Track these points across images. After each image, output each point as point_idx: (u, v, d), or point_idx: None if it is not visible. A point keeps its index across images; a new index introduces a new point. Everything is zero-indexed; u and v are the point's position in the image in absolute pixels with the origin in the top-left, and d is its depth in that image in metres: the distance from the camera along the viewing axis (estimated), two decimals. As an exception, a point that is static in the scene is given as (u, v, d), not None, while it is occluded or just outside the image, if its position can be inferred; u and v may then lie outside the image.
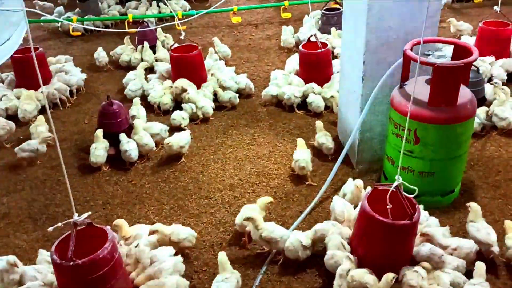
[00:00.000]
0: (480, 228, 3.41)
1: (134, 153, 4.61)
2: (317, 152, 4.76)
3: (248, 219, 3.41)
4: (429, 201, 3.91)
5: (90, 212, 2.90)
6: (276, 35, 8.09)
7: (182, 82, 5.63)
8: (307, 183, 4.34)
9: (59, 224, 2.79)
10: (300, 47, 5.94)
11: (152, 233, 3.37)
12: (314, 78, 5.75)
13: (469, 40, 6.63)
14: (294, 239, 3.41)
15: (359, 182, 3.85)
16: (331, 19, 7.44)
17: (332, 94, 5.40)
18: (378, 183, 4.33)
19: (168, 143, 4.60)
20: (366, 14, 3.81)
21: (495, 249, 3.34)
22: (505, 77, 5.75)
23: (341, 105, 4.89)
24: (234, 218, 3.93)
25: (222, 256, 3.19)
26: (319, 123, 4.75)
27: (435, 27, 3.99)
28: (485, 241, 3.35)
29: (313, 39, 5.94)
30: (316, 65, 5.81)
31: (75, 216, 2.80)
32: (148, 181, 4.50)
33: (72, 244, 2.75)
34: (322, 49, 5.77)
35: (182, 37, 6.04)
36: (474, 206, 3.49)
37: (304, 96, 5.63)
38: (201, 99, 5.53)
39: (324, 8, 7.61)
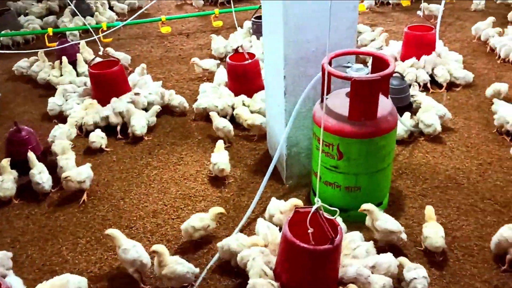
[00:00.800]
0: (386, 219, 3.51)
1: (47, 185, 4.27)
2: (246, 169, 4.61)
3: (153, 252, 3.19)
4: (357, 215, 3.80)
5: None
6: (208, 44, 7.87)
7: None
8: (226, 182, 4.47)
9: None
10: (227, 58, 5.77)
11: None
12: (243, 90, 5.60)
13: (397, 45, 6.69)
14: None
15: (297, 201, 3.69)
16: (261, 27, 7.29)
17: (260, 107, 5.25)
18: (307, 198, 4.22)
19: (66, 177, 4.17)
20: (282, 27, 3.68)
21: (404, 235, 3.51)
22: (428, 79, 5.86)
23: (268, 119, 4.75)
24: (156, 248, 3.71)
25: (114, 231, 3.38)
26: (213, 113, 5.10)
27: (353, 38, 3.92)
28: (396, 230, 3.47)
29: (240, 50, 5.79)
30: (244, 76, 5.66)
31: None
32: (64, 213, 4.17)
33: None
34: (249, 61, 5.62)
35: (100, 53, 5.71)
36: (368, 206, 3.52)
37: (234, 109, 5.47)
38: (135, 117, 5.23)
39: (253, 16, 7.48)
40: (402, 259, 3.31)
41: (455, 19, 8.45)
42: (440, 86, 5.91)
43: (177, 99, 5.71)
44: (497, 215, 3.91)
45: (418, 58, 6.03)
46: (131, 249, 3.30)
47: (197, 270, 3.32)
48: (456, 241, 3.68)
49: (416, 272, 3.14)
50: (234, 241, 3.41)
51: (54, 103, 5.65)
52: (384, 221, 3.49)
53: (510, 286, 3.29)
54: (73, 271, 3.53)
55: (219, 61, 6.68)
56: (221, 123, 4.98)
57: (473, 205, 4.04)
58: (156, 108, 5.42)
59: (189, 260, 3.56)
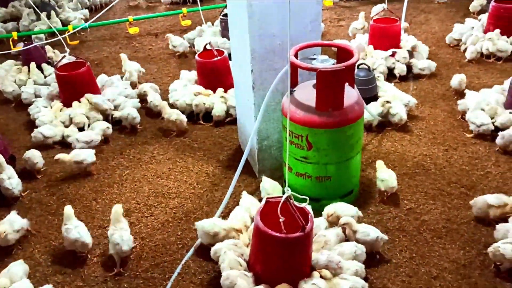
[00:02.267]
0: (366, 231, 3.42)
1: (17, 190, 4.20)
2: (219, 165, 4.64)
3: None
4: (329, 204, 3.89)
5: None
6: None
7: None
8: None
9: None
10: (196, 56, 5.78)
11: None
12: (213, 87, 5.61)
13: (363, 38, 6.81)
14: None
15: None
16: (230, 25, 7.32)
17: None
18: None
19: (4, 232, 3.61)
20: (247, 22, 3.71)
21: (384, 236, 3.51)
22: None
23: (238, 114, 4.78)
24: (130, 247, 3.71)
25: (67, 209, 3.57)
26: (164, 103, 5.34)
27: (318, 30, 3.98)
28: (379, 237, 3.43)
29: (208, 47, 5.80)
30: (214, 73, 5.67)
31: None
32: (36, 215, 4.11)
33: None
34: (219, 57, 5.64)
35: (67, 54, 5.64)
36: (346, 220, 3.49)
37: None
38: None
39: (222, 14, 7.49)
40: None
41: (420, 11, 8.64)
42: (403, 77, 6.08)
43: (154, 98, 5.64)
44: (463, 198, 4.03)
45: (384, 50, 6.16)
46: (73, 230, 3.48)
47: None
48: (425, 224, 3.78)
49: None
50: (208, 221, 3.52)
51: (27, 92, 5.78)
52: (366, 234, 3.42)
53: (477, 265, 3.40)
54: (47, 273, 3.51)
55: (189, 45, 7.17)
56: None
57: (440, 189, 4.15)
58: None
59: (164, 256, 3.60)
